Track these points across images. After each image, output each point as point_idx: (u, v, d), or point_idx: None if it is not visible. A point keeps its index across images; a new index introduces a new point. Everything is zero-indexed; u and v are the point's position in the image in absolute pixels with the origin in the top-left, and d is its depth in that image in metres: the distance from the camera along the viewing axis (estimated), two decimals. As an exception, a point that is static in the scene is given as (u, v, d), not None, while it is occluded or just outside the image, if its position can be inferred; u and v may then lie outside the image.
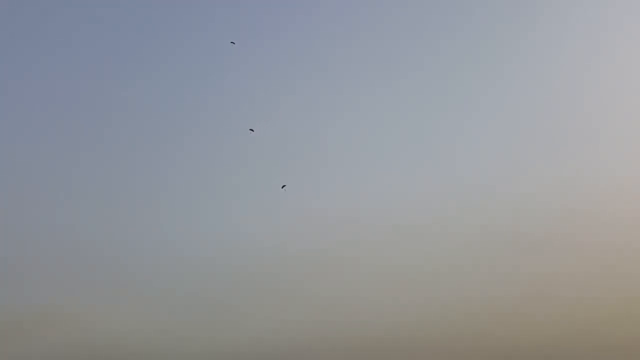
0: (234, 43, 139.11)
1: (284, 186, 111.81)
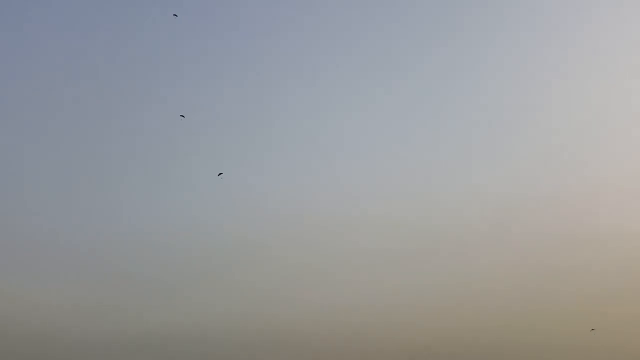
0: (176, 15, 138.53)
1: (220, 174, 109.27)
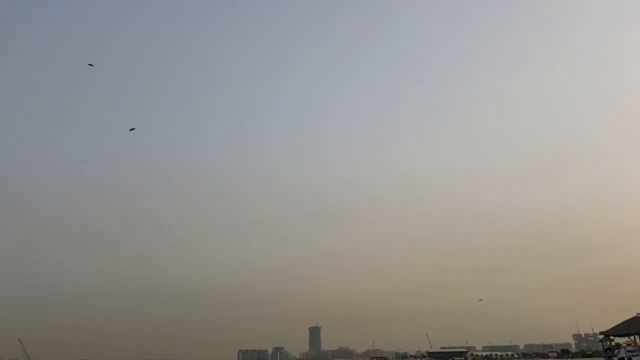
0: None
1: (132, 129, 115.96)
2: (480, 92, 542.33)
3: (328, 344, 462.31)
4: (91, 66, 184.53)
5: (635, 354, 45.87)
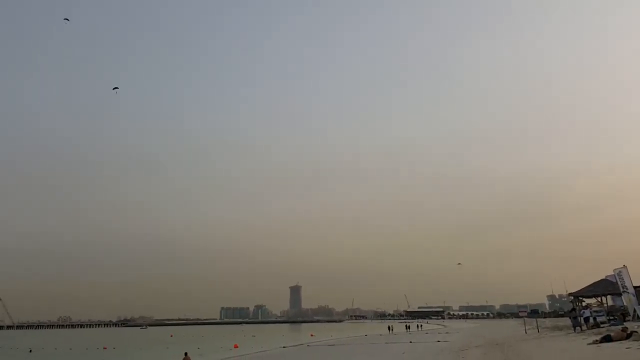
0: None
1: (115, 88, 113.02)
2: (469, 53, 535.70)
3: (308, 302, 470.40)
4: (67, 20, 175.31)
5: (600, 314, 45.35)
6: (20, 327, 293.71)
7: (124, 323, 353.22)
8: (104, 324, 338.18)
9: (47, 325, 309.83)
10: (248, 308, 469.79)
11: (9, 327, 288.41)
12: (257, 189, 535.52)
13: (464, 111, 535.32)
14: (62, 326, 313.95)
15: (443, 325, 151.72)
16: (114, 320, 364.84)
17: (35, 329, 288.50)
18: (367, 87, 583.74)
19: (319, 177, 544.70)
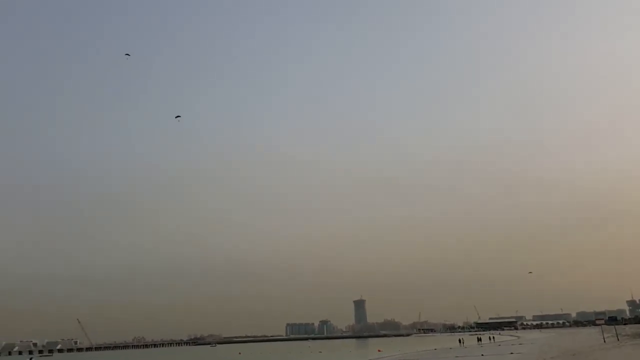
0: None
1: (178, 116, 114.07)
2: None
3: (374, 316, 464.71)
4: (128, 55, 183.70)
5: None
6: (98, 348, 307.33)
7: (195, 342, 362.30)
8: (176, 343, 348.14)
9: (123, 346, 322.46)
10: (313, 324, 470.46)
11: (87, 348, 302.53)
12: (319, 204, 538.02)
13: (536, 118, 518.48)
14: (137, 346, 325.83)
15: (516, 336, 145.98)
16: (185, 339, 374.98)
17: (112, 349, 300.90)
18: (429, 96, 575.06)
19: (383, 188, 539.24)
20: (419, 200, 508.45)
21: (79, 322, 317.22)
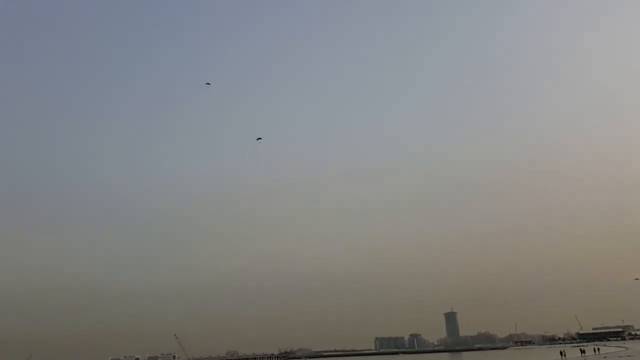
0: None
1: (259, 138, 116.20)
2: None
3: (466, 329, 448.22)
4: (209, 85, 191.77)
5: None
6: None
7: (285, 355, 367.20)
8: (267, 357, 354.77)
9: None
10: (403, 337, 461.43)
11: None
12: (397, 213, 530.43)
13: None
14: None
15: (624, 347, 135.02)
16: (276, 353, 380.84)
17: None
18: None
19: (467, 197, 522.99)
20: (509, 207, 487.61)
21: (176, 337, 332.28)
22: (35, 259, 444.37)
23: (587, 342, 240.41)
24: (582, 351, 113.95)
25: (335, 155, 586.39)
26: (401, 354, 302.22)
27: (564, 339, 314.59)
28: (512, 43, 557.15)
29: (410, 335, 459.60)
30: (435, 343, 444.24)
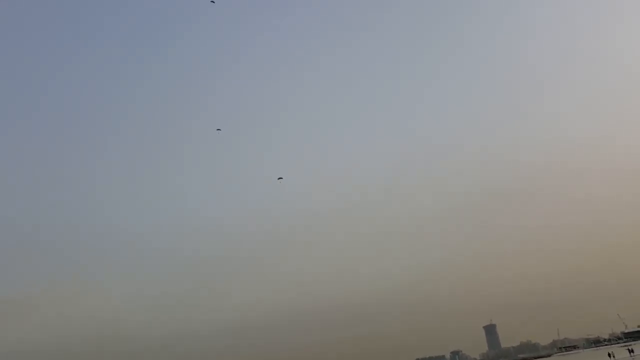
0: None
1: (280, 178, 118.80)
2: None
3: (507, 340, 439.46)
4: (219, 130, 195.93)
5: None
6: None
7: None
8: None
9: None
10: (444, 355, 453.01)
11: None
12: (419, 229, 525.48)
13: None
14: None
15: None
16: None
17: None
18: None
19: (497, 202, 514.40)
20: (537, 209, 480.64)
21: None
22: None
23: (634, 340, 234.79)
24: (631, 351, 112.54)
25: (352, 180, 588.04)
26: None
27: (609, 340, 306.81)
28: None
29: (451, 352, 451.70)
30: (478, 358, 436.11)
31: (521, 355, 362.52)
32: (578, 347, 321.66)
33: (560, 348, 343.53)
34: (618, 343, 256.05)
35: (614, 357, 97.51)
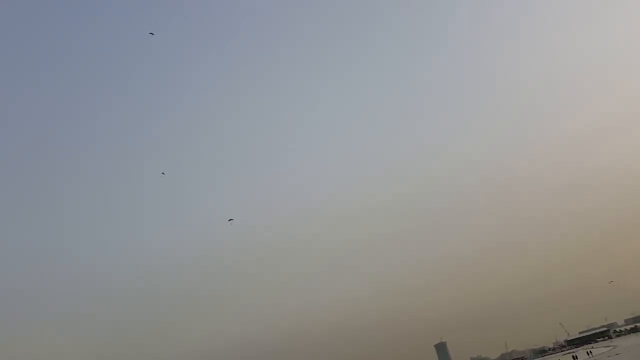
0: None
1: (231, 220, 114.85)
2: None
3: (459, 357, 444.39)
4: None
5: None
6: None
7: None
8: None
9: None
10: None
11: None
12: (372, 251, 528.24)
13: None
14: None
15: (612, 346, 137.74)
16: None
17: None
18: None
19: (432, 222, 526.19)
20: (470, 231, 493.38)
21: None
22: None
23: (577, 347, 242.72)
24: (574, 357, 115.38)
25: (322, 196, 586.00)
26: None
27: (554, 349, 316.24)
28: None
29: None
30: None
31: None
32: (526, 358, 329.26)
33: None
34: (562, 351, 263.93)
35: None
